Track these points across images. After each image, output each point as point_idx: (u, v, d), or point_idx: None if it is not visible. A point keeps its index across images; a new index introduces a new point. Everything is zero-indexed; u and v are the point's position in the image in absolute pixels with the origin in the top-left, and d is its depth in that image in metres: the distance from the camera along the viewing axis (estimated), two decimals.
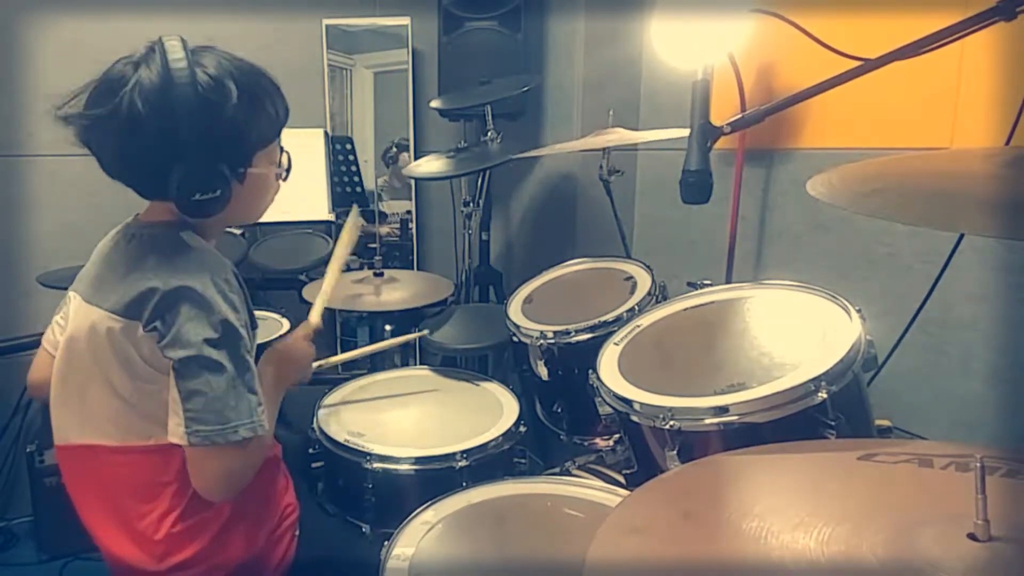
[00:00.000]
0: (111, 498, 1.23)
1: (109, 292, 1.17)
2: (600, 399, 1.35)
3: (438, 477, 1.51)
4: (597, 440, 1.69)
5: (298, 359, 1.44)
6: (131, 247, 1.22)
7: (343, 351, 2.87)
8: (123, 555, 1.23)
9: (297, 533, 1.40)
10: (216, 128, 1.14)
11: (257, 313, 1.27)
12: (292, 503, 1.41)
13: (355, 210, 1.77)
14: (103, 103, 1.13)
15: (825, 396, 1.11)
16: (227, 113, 1.14)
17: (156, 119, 1.11)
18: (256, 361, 1.23)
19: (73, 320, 1.24)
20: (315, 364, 1.52)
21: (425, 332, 1.92)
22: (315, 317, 1.54)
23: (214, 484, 1.16)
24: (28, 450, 2.39)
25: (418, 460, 1.54)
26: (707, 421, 1.16)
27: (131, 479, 1.21)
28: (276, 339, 2.10)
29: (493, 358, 2.30)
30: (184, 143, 1.12)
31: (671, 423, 1.18)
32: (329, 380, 1.94)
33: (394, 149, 2.95)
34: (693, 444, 1.18)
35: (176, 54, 1.14)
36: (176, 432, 1.13)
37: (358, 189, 2.81)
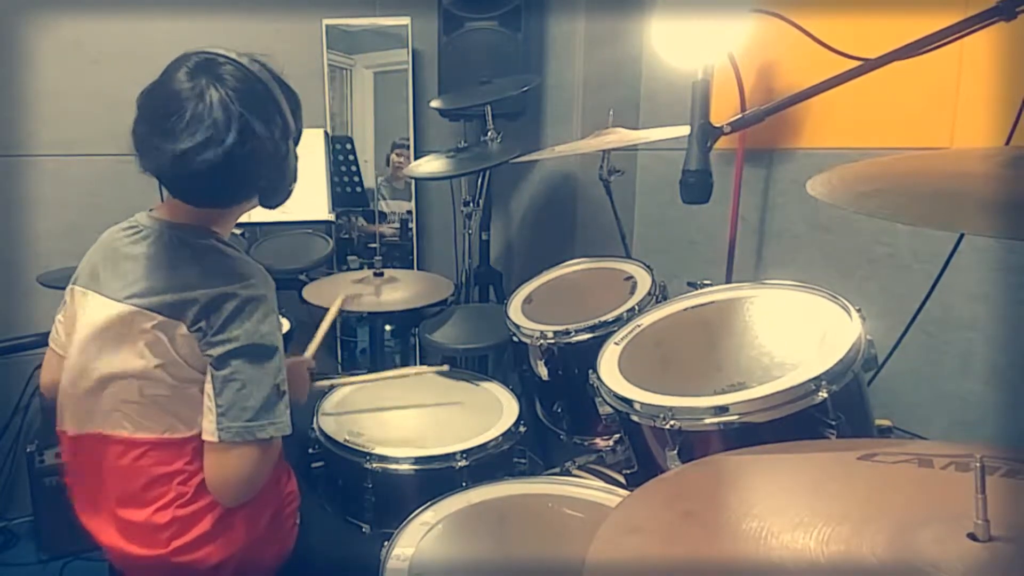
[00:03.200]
0: (118, 486, 1.25)
1: (148, 292, 1.21)
2: (600, 399, 1.35)
3: (438, 477, 1.51)
4: (597, 440, 1.69)
5: (296, 379, 1.52)
6: (167, 248, 1.25)
7: (343, 351, 2.89)
8: (127, 543, 1.25)
9: (298, 521, 1.41)
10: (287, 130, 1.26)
11: None
12: (293, 491, 1.44)
13: (340, 299, 1.97)
14: (200, 147, 1.13)
15: (825, 396, 1.11)
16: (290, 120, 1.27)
17: (251, 151, 1.17)
18: None
19: (94, 316, 1.25)
20: (317, 384, 1.65)
21: (446, 367, 1.93)
22: (310, 354, 1.68)
23: (234, 484, 1.19)
24: (28, 450, 2.39)
25: (418, 460, 1.54)
26: (707, 421, 1.16)
27: (141, 469, 1.24)
28: None
29: (493, 358, 2.30)
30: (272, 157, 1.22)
31: (671, 423, 1.18)
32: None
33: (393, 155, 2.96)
34: (693, 444, 1.18)
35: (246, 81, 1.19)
36: (208, 429, 1.17)
37: (358, 189, 2.81)
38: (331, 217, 2.67)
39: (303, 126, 1.32)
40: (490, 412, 1.73)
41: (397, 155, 2.93)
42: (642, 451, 1.31)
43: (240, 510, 1.27)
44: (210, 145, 1.13)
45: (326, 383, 1.78)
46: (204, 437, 1.18)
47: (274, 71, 1.25)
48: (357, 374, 2.02)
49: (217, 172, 1.15)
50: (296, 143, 1.30)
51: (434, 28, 2.71)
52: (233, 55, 1.20)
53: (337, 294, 1.99)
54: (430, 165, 2.26)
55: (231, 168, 1.16)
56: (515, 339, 1.78)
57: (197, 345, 1.18)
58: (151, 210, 1.31)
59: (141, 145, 1.18)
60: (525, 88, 2.32)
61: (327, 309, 1.90)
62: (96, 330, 1.24)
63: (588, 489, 1.38)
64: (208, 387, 1.18)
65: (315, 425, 1.69)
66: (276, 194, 1.31)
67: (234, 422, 1.16)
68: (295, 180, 1.32)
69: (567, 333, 1.65)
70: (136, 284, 1.22)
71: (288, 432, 1.21)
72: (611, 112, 2.13)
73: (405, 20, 2.82)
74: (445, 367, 1.92)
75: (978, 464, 0.67)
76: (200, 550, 1.24)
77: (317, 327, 1.82)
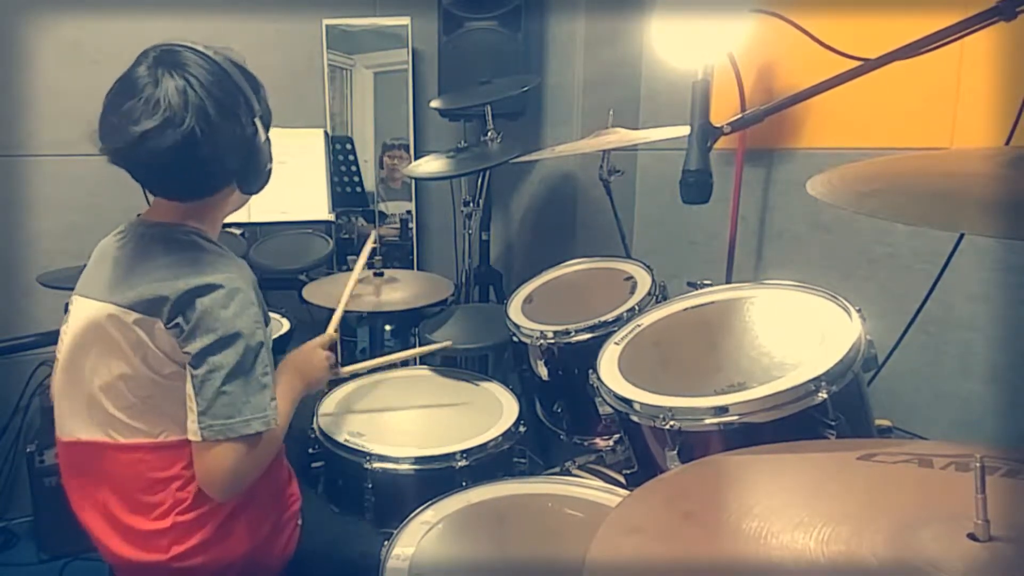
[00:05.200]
0: (116, 492, 1.24)
1: (125, 289, 1.20)
2: (600, 399, 1.35)
3: (438, 477, 1.51)
4: (597, 440, 1.69)
5: (315, 367, 1.51)
6: (144, 246, 1.24)
7: (343, 350, 2.89)
8: (126, 549, 1.24)
9: (299, 523, 1.41)
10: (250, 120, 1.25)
11: None
12: (295, 493, 1.43)
13: (373, 234, 1.96)
14: (159, 130, 1.13)
15: (825, 396, 1.11)
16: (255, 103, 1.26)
17: (213, 133, 1.16)
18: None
19: (80, 318, 1.25)
20: (341, 370, 1.61)
21: (448, 343, 1.92)
22: (332, 328, 1.62)
23: (220, 480, 1.18)
24: (28, 450, 2.39)
25: (418, 460, 1.54)
26: (707, 421, 1.16)
27: (138, 475, 1.23)
28: (277, 338, 2.10)
29: (493, 358, 2.30)
30: (238, 143, 1.22)
31: (671, 423, 1.18)
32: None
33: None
34: (693, 444, 1.18)
35: (203, 65, 1.19)
36: (191, 429, 1.16)
37: (358, 189, 2.81)
38: (331, 217, 2.67)
39: (269, 108, 1.30)
40: (490, 412, 1.73)
41: (390, 157, 2.93)
42: (642, 451, 1.31)
43: (242, 516, 1.27)
44: (168, 127, 1.12)
45: (348, 370, 1.76)
46: (188, 436, 1.17)
47: (234, 59, 1.24)
48: (359, 373, 2.01)
49: (182, 157, 1.15)
50: (266, 126, 1.29)
51: (434, 28, 2.72)
52: (189, 43, 1.21)
53: (352, 303, 1.93)
54: (430, 165, 2.26)
55: (196, 152, 1.15)
56: (515, 339, 1.78)
57: (175, 341, 1.17)
58: (139, 215, 1.31)
59: (104, 135, 1.17)
60: (525, 88, 2.32)
61: (328, 309, 1.88)
62: (81, 332, 1.24)
63: (588, 489, 1.38)
64: (188, 386, 1.17)
65: (315, 425, 1.69)
66: (254, 177, 1.29)
67: (215, 420, 1.14)
68: (271, 160, 1.31)
69: (567, 333, 1.64)
70: (115, 284, 1.22)
71: (274, 426, 1.20)
72: (611, 112, 2.13)
73: (405, 20, 2.82)
74: (448, 343, 1.91)
75: (978, 464, 0.67)
76: (200, 556, 1.23)
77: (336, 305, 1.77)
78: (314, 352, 1.53)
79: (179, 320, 1.16)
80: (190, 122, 1.13)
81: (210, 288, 1.17)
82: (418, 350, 1.96)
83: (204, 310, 1.16)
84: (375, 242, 1.94)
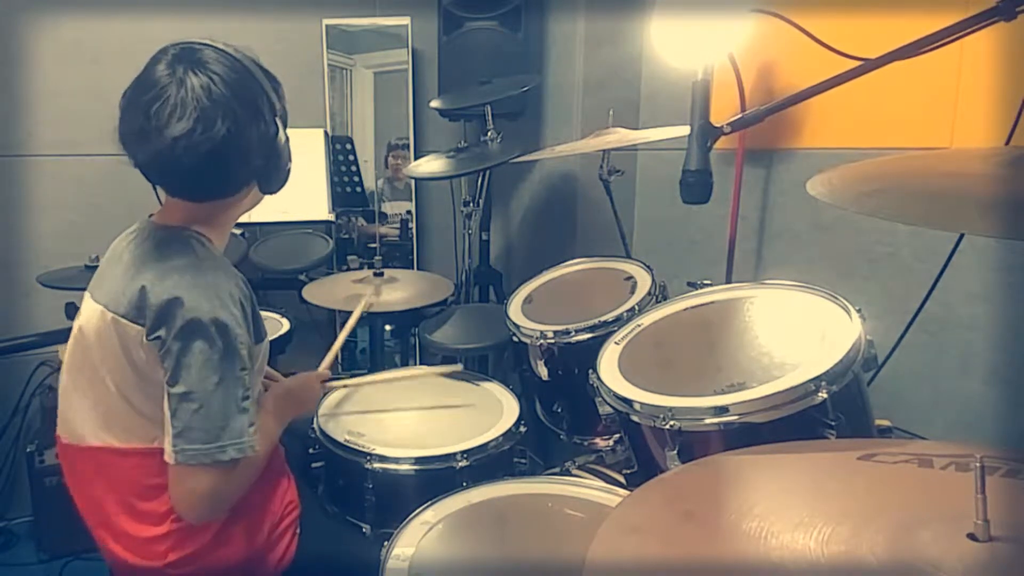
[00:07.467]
0: (114, 496, 1.24)
1: (120, 294, 1.18)
2: (600, 399, 1.35)
3: (438, 477, 1.51)
4: (597, 440, 1.69)
5: (305, 399, 1.52)
6: (146, 251, 1.22)
7: (343, 351, 2.89)
8: (124, 553, 1.23)
9: (297, 531, 1.40)
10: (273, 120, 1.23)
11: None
12: (293, 501, 1.42)
13: (363, 300, 1.99)
14: (192, 133, 1.10)
15: (825, 396, 1.11)
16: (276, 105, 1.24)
17: (240, 132, 1.14)
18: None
19: (84, 318, 1.24)
20: (329, 385, 1.67)
21: (459, 367, 1.93)
22: (325, 366, 1.66)
23: (192, 505, 1.15)
24: (28, 450, 2.39)
25: (418, 460, 1.54)
26: (707, 421, 1.16)
27: (134, 479, 1.22)
28: (277, 338, 2.11)
29: (493, 358, 2.30)
30: (261, 145, 1.20)
31: (671, 423, 1.18)
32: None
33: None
34: (693, 444, 1.18)
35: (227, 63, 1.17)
36: (166, 450, 1.13)
37: (358, 189, 2.81)
38: (331, 217, 2.67)
39: (286, 107, 1.28)
40: (490, 412, 1.73)
41: (394, 157, 2.94)
42: (642, 451, 1.31)
43: (239, 523, 1.26)
44: (201, 129, 1.09)
45: (338, 384, 1.78)
46: (165, 457, 1.13)
47: (251, 56, 1.22)
48: (359, 374, 2.02)
49: (212, 158, 1.12)
50: (284, 124, 1.26)
51: (434, 28, 2.72)
52: (208, 40, 1.18)
53: (353, 303, 1.97)
54: (430, 165, 2.27)
55: (224, 153, 1.13)
56: (515, 339, 1.78)
57: (157, 354, 1.14)
58: (151, 216, 1.30)
59: (129, 139, 1.14)
60: (525, 88, 2.32)
61: (328, 309, 1.90)
62: (83, 333, 1.23)
63: (588, 489, 1.38)
64: (165, 405, 1.13)
65: (315, 425, 1.69)
66: (275, 176, 1.26)
67: (191, 444, 1.10)
68: (290, 159, 1.29)
69: (567, 333, 1.64)
70: (114, 287, 1.20)
71: (251, 453, 1.15)
72: (611, 112, 2.13)
73: (405, 20, 2.82)
74: (459, 367, 1.91)
75: (978, 464, 0.67)
76: (196, 564, 1.22)
77: (334, 337, 1.81)
78: (313, 387, 1.54)
79: (161, 332, 1.12)
80: (220, 123, 1.10)
81: (191, 303, 1.12)
82: (422, 370, 1.96)
83: (183, 326, 1.11)
84: (366, 308, 1.98)
